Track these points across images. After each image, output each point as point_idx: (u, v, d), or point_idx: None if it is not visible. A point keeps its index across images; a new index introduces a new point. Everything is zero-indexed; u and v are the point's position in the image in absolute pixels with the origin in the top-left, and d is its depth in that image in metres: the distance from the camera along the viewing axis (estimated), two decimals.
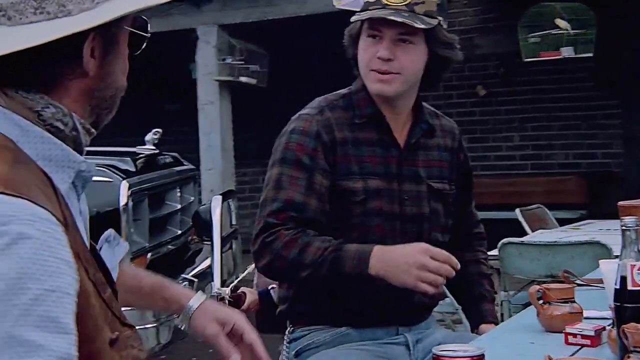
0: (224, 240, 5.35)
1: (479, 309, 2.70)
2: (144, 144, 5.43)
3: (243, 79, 8.15)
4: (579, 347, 2.04)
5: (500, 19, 9.15)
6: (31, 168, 1.30)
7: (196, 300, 1.87)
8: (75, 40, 1.30)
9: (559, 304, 2.21)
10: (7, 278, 1.14)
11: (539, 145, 9.41)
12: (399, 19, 2.41)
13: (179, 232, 5.32)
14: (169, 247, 5.14)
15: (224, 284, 5.35)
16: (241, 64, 8.10)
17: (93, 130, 1.42)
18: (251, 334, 1.84)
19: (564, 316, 2.18)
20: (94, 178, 1.46)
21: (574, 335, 2.06)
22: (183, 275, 5.06)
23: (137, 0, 1.34)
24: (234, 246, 5.92)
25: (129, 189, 4.33)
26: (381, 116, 2.56)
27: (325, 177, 2.47)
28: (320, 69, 9.25)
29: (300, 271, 2.39)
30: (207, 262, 5.19)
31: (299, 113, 2.58)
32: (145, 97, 10.65)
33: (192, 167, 5.85)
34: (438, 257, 2.31)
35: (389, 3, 2.45)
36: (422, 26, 2.42)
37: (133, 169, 4.59)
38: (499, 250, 4.52)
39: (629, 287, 1.80)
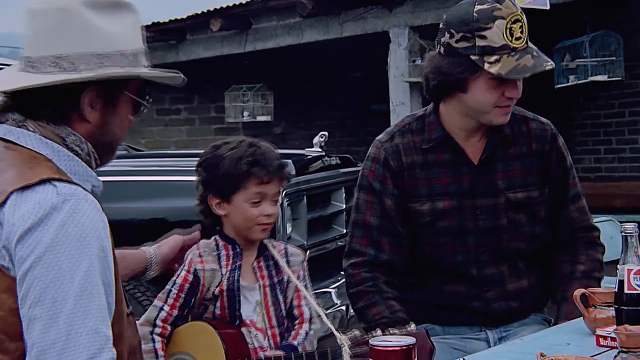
0: None
1: (559, 311, 2.73)
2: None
3: None
4: (608, 348, 2.08)
5: None
6: (66, 176, 1.74)
7: (150, 249, 2.47)
8: (75, 90, 1.77)
9: (603, 307, 2.23)
10: (73, 236, 1.63)
11: None
12: (541, 69, 2.50)
13: (345, 231, 5.53)
14: (334, 244, 5.36)
15: None
16: None
17: (99, 162, 1.86)
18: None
19: (607, 320, 2.20)
20: None
21: (605, 337, 2.10)
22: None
23: (124, 71, 1.79)
24: None
25: (283, 189, 4.58)
26: (449, 138, 2.66)
27: (394, 201, 2.67)
28: None
29: (360, 320, 2.67)
30: None
31: (376, 138, 2.77)
32: (355, 97, 11.01)
33: None
34: None
35: (517, 46, 2.49)
36: (551, 63, 2.52)
37: (292, 171, 4.83)
38: None
39: (626, 291, 1.84)
